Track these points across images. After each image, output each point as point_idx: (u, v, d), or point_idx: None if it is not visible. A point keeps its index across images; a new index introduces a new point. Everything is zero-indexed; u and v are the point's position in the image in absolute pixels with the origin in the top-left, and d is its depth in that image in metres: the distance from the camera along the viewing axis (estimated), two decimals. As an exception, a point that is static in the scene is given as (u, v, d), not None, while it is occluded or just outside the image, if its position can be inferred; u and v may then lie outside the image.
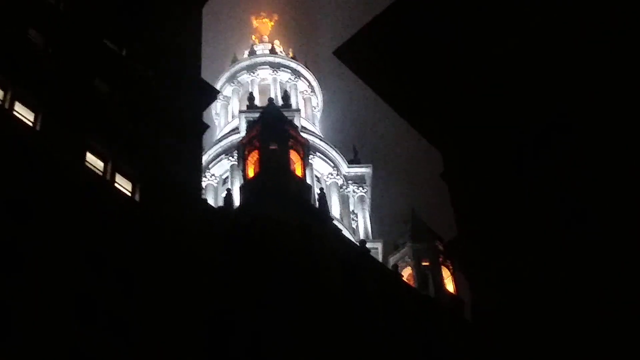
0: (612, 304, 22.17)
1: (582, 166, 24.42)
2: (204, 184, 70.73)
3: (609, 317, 21.98)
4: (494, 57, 27.39)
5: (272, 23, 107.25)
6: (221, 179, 76.97)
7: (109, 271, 37.01)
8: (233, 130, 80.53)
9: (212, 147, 79.28)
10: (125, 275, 37.54)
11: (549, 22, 26.70)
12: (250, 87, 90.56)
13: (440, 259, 69.95)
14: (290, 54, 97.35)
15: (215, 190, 76.15)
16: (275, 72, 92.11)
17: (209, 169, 76.82)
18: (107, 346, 34.51)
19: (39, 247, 34.86)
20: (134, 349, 35.23)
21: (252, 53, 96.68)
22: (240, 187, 62.08)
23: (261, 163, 61.83)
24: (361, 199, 79.82)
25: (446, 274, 69.70)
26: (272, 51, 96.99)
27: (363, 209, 79.10)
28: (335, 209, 74.85)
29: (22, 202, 35.61)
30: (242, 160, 64.23)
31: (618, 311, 22.00)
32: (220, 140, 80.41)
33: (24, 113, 38.70)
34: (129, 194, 40.89)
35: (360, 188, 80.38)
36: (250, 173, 62.50)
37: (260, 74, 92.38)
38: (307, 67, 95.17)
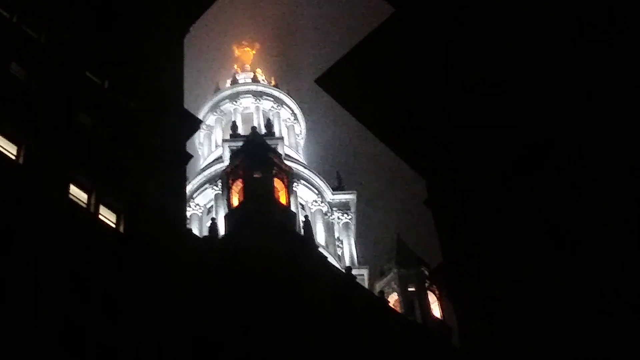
0: (601, 329, 22.20)
1: (567, 190, 24.52)
2: (188, 214, 70.64)
3: (598, 343, 22.01)
4: (474, 84, 27.56)
5: (254, 52, 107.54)
6: (206, 209, 76.91)
7: (95, 303, 36.86)
8: (217, 159, 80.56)
9: (196, 176, 79.25)
10: (112, 306, 37.39)
11: (532, 50, 26.87)
12: (233, 116, 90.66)
13: (427, 285, 69.98)
14: (273, 82, 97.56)
15: (200, 219, 76.06)
16: (257, 100, 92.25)
17: (193, 199, 76.76)
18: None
19: (24, 280, 34.70)
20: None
21: (235, 82, 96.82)
22: (225, 216, 62.02)
23: (245, 192, 61.81)
24: (346, 225, 79.84)
25: (432, 299, 69.70)
26: (255, 80, 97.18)
27: (348, 235, 79.10)
28: (320, 236, 74.84)
29: (5, 235, 35.46)
30: (227, 189, 64.21)
31: (608, 337, 22.02)
32: (204, 169, 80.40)
33: (6, 146, 38.60)
34: (114, 226, 40.77)
35: (345, 215, 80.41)
36: (235, 202, 62.46)
37: (242, 102, 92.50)
38: (289, 95, 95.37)
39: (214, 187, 75.30)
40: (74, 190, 40.03)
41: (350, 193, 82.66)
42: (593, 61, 25.33)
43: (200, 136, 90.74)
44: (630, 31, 24.89)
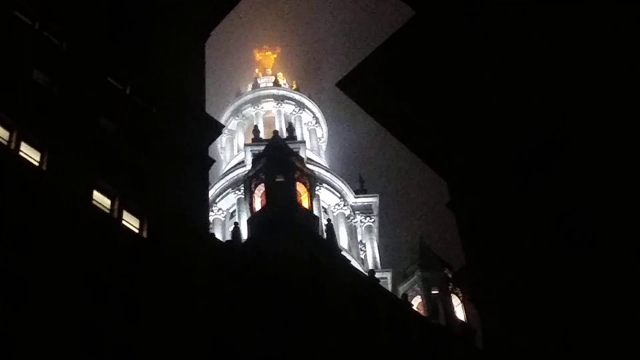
0: (628, 329, 22.09)
1: (593, 189, 24.40)
2: (211, 219, 70.66)
3: (623, 344, 21.89)
4: (496, 86, 27.49)
5: (275, 56, 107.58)
6: (228, 213, 76.91)
7: (119, 307, 37.01)
8: (239, 163, 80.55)
9: (218, 181, 79.26)
10: (136, 311, 37.53)
11: (551, 52, 26.80)
12: (255, 120, 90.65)
13: (450, 287, 69.71)
14: (294, 86, 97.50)
15: (223, 224, 76.07)
16: (279, 104, 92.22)
17: (216, 203, 76.78)
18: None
19: (48, 285, 34.90)
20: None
21: (256, 86, 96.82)
22: (247, 221, 62.03)
23: (268, 196, 61.79)
24: (369, 229, 79.67)
25: (456, 301, 69.43)
26: (276, 83, 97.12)
27: (371, 238, 78.93)
28: (343, 240, 74.69)
29: (29, 242, 35.66)
30: (249, 193, 64.24)
31: (633, 335, 21.91)
32: (226, 174, 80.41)
33: (30, 153, 38.81)
34: (137, 231, 40.90)
35: (368, 218, 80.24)
36: (257, 206, 62.47)
37: (264, 106, 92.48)
38: (310, 98, 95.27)
39: (237, 192, 75.27)
40: (97, 196, 40.19)
41: (373, 196, 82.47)
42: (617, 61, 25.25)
43: (222, 141, 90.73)
44: (628, 40, 24.83)
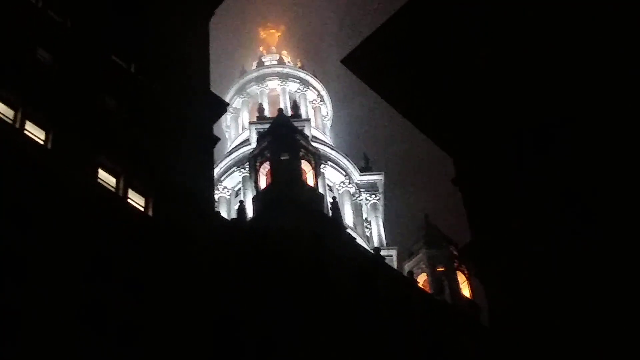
0: (631, 305, 22.06)
1: (601, 166, 24.32)
2: (216, 197, 70.69)
3: (627, 319, 21.87)
4: (505, 62, 27.36)
5: (279, 34, 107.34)
6: (233, 191, 76.98)
7: (124, 286, 37.10)
8: (244, 142, 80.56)
9: (223, 159, 79.28)
10: (141, 289, 37.61)
11: (556, 27, 26.65)
12: (259, 98, 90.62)
13: (455, 264, 69.81)
14: (299, 64, 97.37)
15: (228, 202, 76.16)
16: (284, 82, 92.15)
17: (221, 182, 76.85)
18: (121, 353, 34.74)
19: (53, 264, 34.96)
20: (144, 356, 35.47)
21: (260, 64, 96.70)
22: (252, 199, 62.05)
23: (273, 174, 61.81)
24: (374, 206, 79.68)
25: (462, 279, 69.51)
26: (280, 62, 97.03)
27: (376, 216, 78.97)
28: (348, 218, 74.72)
29: (35, 221, 35.69)
30: (254, 171, 64.23)
31: (636, 310, 21.89)
32: (231, 152, 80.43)
33: (34, 132, 38.79)
34: (142, 209, 40.93)
35: (373, 196, 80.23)
36: (262, 184, 62.48)
37: (269, 84, 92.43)
38: (315, 76, 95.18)
39: (242, 170, 75.29)
40: (102, 174, 40.21)
41: (378, 174, 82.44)
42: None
43: (227, 119, 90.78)
44: (626, 34, 24.70)
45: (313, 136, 77.39)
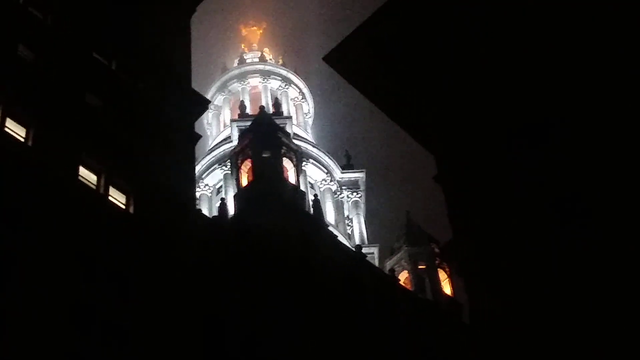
0: (611, 304, 22.11)
1: (578, 165, 24.37)
2: (197, 194, 70.60)
3: (608, 318, 21.93)
4: (485, 59, 27.38)
5: (261, 31, 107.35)
6: (215, 189, 76.91)
7: (105, 283, 36.99)
8: (225, 139, 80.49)
9: (204, 157, 79.22)
10: (121, 287, 37.51)
11: (542, 25, 26.67)
12: (241, 95, 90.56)
13: (437, 262, 69.98)
14: (280, 61, 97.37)
15: (210, 200, 76.08)
16: (265, 80, 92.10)
17: (203, 179, 76.76)
18: (104, 350, 34.66)
19: (34, 261, 34.81)
20: (131, 354, 35.38)
21: (242, 61, 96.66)
22: (234, 196, 62.03)
23: (254, 171, 61.80)
24: (355, 204, 79.78)
25: (443, 276, 69.70)
26: (262, 59, 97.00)
27: (358, 214, 79.07)
28: (330, 215, 74.82)
29: (15, 217, 35.53)
30: (235, 169, 64.20)
31: (617, 311, 21.94)
32: (212, 149, 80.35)
33: (15, 129, 38.61)
34: (123, 207, 40.83)
35: (355, 193, 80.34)
36: (244, 182, 62.45)
37: (250, 82, 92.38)
38: (297, 73, 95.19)
39: (223, 167, 75.23)
40: (83, 172, 40.09)
41: (360, 171, 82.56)
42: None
43: (208, 116, 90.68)
44: (624, 33, 24.75)
45: (294, 134, 77.41)
